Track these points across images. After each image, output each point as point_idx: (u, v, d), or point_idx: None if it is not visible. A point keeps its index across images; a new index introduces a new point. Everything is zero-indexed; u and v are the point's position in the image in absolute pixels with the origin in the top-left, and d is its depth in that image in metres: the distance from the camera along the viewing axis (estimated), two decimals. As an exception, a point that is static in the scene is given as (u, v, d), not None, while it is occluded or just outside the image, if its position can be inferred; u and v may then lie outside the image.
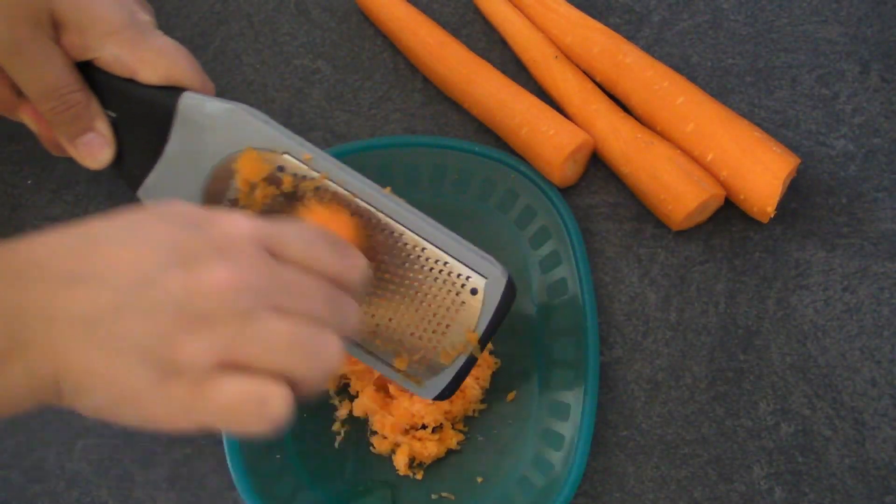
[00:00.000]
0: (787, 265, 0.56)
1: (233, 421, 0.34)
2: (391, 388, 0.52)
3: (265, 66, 0.64)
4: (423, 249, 0.46)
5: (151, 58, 0.47)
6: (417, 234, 0.46)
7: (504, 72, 0.60)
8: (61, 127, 0.48)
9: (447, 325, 0.47)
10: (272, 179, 0.46)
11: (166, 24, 0.51)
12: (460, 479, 0.52)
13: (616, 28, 0.61)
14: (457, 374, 0.47)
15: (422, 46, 0.61)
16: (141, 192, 0.48)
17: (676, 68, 0.59)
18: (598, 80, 0.60)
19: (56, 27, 0.47)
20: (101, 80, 0.48)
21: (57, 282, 0.34)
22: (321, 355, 0.36)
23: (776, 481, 0.51)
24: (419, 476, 0.52)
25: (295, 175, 0.46)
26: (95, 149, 0.49)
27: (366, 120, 0.62)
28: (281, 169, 0.46)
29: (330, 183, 0.46)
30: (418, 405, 0.51)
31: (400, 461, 0.51)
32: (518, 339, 0.54)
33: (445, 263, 0.46)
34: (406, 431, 0.52)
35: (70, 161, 0.61)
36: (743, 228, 0.57)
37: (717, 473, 0.52)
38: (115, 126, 0.49)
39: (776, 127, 0.60)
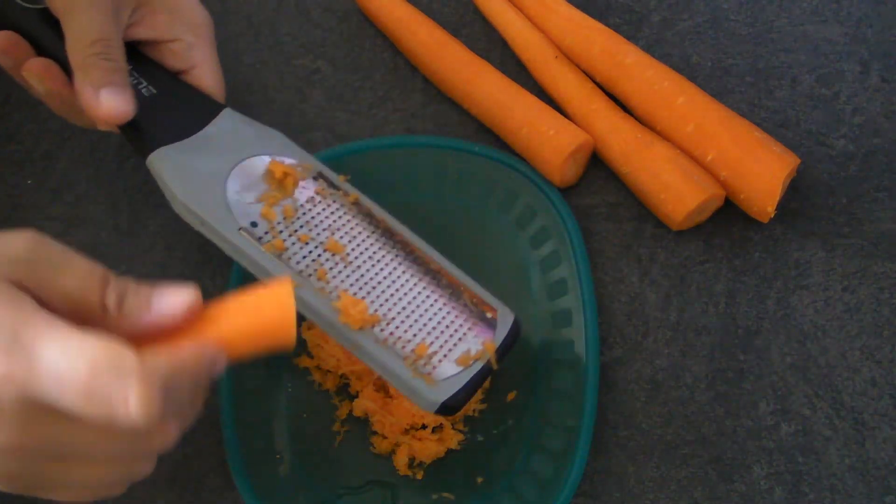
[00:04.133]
0: (787, 265, 0.56)
1: None
2: (391, 388, 0.52)
3: (265, 66, 0.64)
4: (444, 278, 0.50)
5: (213, 66, 0.51)
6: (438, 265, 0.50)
7: (504, 72, 0.60)
8: (93, 71, 0.47)
9: (462, 336, 0.48)
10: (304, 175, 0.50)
11: (166, 24, 0.51)
12: (460, 479, 0.52)
13: (616, 28, 0.61)
14: (471, 379, 0.47)
15: (422, 46, 0.61)
16: (152, 157, 0.49)
17: (676, 68, 0.59)
18: (598, 80, 0.60)
19: (143, 5, 0.50)
20: (148, 62, 0.52)
21: None
22: None
23: (776, 481, 0.51)
24: (419, 476, 0.52)
25: (329, 184, 0.50)
26: (119, 100, 0.47)
27: (366, 120, 0.62)
28: (317, 177, 0.50)
29: (361, 204, 0.50)
30: (418, 405, 0.51)
31: (400, 461, 0.51)
32: (518, 339, 0.54)
33: (463, 288, 0.50)
34: (406, 431, 0.52)
35: (70, 161, 0.61)
36: (743, 228, 0.57)
37: (717, 473, 0.52)
38: (147, 100, 0.50)
39: (776, 127, 0.60)
